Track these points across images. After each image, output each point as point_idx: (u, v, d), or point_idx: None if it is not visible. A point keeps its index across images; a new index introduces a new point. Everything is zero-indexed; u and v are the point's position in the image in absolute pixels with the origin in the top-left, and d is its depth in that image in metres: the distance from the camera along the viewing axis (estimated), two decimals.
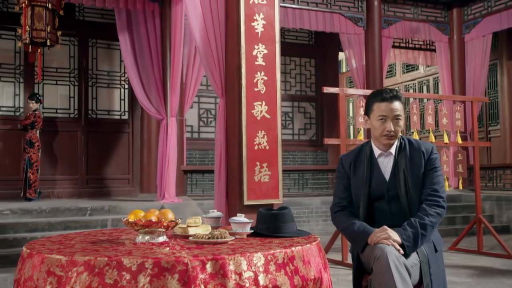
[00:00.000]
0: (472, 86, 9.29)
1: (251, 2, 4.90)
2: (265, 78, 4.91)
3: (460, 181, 6.26)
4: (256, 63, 4.90)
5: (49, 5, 5.96)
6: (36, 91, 8.66)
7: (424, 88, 11.68)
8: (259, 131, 4.87)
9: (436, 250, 2.49)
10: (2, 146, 8.41)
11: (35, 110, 7.81)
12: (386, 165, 2.55)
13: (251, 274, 1.76)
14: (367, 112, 2.57)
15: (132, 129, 9.29)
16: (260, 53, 4.91)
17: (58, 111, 8.91)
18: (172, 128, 7.71)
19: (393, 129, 2.47)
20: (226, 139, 5.05)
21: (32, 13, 5.80)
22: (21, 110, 8.58)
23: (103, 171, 9.08)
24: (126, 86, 9.20)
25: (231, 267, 1.73)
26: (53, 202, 7.49)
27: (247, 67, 4.85)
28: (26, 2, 5.75)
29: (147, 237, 2.10)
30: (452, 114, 6.30)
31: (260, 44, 4.92)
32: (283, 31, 10.45)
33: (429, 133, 5.88)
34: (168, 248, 1.94)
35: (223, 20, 5.05)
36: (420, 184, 2.48)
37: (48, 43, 6.02)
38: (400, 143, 2.56)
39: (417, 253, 2.37)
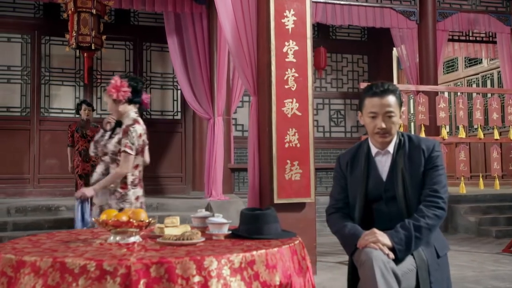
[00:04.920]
0: None
1: None
2: (296, 75, 4.86)
3: None
4: (287, 60, 4.86)
5: (94, 11, 6.26)
6: (94, 94, 9.13)
7: (488, 82, 11.07)
8: (290, 129, 4.82)
9: (438, 256, 2.30)
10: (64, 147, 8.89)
11: (89, 120, 6.75)
12: (383, 164, 2.39)
13: (201, 279, 1.65)
14: (360, 107, 2.42)
15: (185, 129, 9.54)
16: (290, 50, 4.87)
17: None
18: (219, 127, 7.84)
19: (384, 126, 2.31)
20: (258, 137, 5.05)
21: (78, 19, 6.13)
22: None
23: (157, 169, 9.37)
24: (179, 87, 9.45)
25: (178, 271, 1.63)
26: None
27: (277, 64, 4.82)
28: (73, 9, 6.08)
29: (118, 238, 2.06)
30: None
31: (290, 41, 4.88)
32: (333, 28, 10.31)
33: (492, 129, 5.54)
34: (125, 249, 1.88)
35: (254, 17, 5.04)
36: (420, 185, 2.30)
37: (93, 47, 6.32)
38: (400, 140, 2.39)
39: (414, 258, 2.21)
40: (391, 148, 2.39)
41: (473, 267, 5.15)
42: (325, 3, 8.38)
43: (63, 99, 9.17)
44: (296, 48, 4.88)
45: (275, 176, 4.76)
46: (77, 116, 8.72)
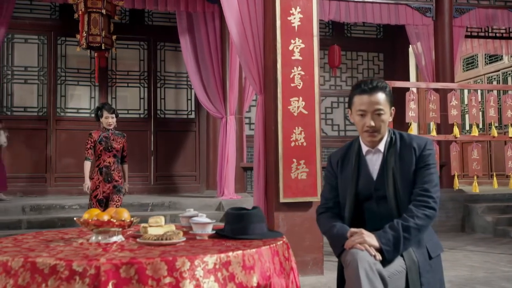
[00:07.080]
0: None
1: None
2: (302, 73, 4.81)
3: None
4: (293, 58, 4.82)
5: (104, 11, 6.32)
6: (109, 93, 9.22)
7: (509, 79, 10.82)
8: (296, 128, 4.78)
9: (430, 257, 2.23)
10: (80, 146, 9.01)
11: (115, 129, 5.30)
12: (374, 163, 2.33)
13: (172, 280, 1.61)
14: (349, 105, 2.36)
15: (199, 128, 9.58)
16: (296, 48, 4.82)
17: (129, 111, 9.40)
18: (231, 126, 7.85)
19: (373, 124, 2.25)
20: (264, 136, 5.02)
21: (88, 19, 6.19)
22: None
23: (171, 168, 9.44)
24: (193, 87, 9.49)
25: (149, 272, 1.60)
26: None
27: (283, 62, 4.78)
28: (83, 9, 6.15)
29: (99, 237, 2.05)
30: None
31: (297, 39, 4.83)
32: (348, 26, 10.21)
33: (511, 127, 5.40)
34: (101, 249, 1.86)
35: (260, 15, 5.01)
36: (411, 184, 2.23)
37: (103, 47, 6.37)
38: (391, 138, 2.33)
39: (403, 259, 2.15)
40: (381, 146, 2.34)
41: (486, 268, 5.03)
42: (339, 0, 8.29)
43: (79, 99, 9.30)
44: (303, 46, 4.83)
45: (281, 175, 4.72)
46: (92, 115, 8.91)
